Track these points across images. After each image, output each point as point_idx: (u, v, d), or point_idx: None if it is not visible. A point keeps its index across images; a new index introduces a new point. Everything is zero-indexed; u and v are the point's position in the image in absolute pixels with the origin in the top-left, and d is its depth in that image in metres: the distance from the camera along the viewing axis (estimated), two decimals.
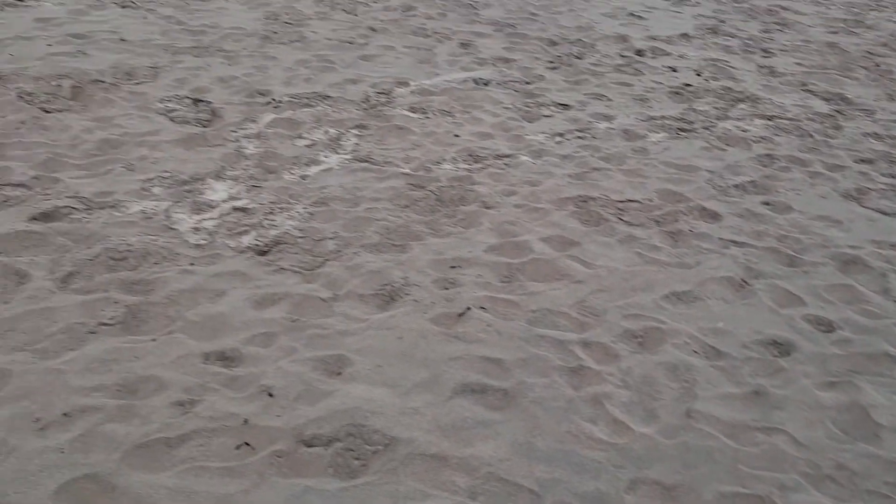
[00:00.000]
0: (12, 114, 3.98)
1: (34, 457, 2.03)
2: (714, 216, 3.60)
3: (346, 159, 3.82)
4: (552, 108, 4.60)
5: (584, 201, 3.60)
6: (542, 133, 4.27)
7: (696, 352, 2.68)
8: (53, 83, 4.34)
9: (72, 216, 3.16)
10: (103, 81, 4.44)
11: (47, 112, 4.04)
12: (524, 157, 3.98)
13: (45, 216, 3.14)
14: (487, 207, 3.48)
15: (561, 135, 4.28)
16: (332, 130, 4.09)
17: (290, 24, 5.62)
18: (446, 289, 2.90)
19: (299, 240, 3.12)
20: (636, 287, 3.01)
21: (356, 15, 5.95)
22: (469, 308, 2.77)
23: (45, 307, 2.61)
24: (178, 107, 4.22)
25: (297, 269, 2.94)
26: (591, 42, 5.76)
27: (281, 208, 3.34)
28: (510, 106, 4.58)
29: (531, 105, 4.60)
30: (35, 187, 3.35)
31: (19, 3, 5.61)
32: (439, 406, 2.34)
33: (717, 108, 4.80)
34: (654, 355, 2.63)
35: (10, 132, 3.79)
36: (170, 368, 2.38)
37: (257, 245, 3.06)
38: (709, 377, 2.56)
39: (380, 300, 2.81)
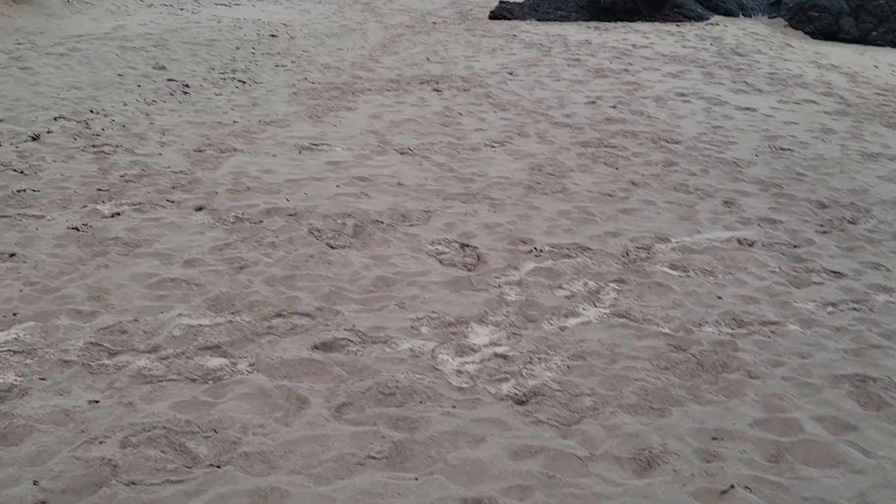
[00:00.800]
0: (303, 248, 4.43)
1: None
2: None
3: (605, 314, 3.83)
4: (823, 274, 4.37)
5: (862, 381, 3.33)
6: (813, 301, 4.05)
7: None
8: (339, 221, 4.80)
9: (348, 348, 3.41)
10: (381, 222, 4.84)
11: (332, 248, 4.46)
12: (792, 326, 3.78)
13: (326, 346, 3.42)
14: (752, 377, 3.32)
15: (833, 305, 4.04)
16: (591, 283, 4.15)
17: (552, 175, 5.85)
18: (707, 461, 2.77)
19: (557, 392, 3.14)
20: None
21: (617, 168, 6.08)
22: (733, 486, 2.62)
23: (320, 434, 2.80)
24: (446, 250, 4.49)
25: (553, 422, 2.95)
26: (867, 206, 5.46)
27: (539, 358, 3.40)
28: (776, 269, 4.41)
29: (800, 270, 4.40)
30: (318, 317, 3.67)
31: (315, 147, 6.32)
32: None
33: None
34: None
35: (300, 264, 4.22)
36: None
37: (516, 394, 3.12)
38: None
39: (637, 465, 2.74)
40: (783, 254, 4.64)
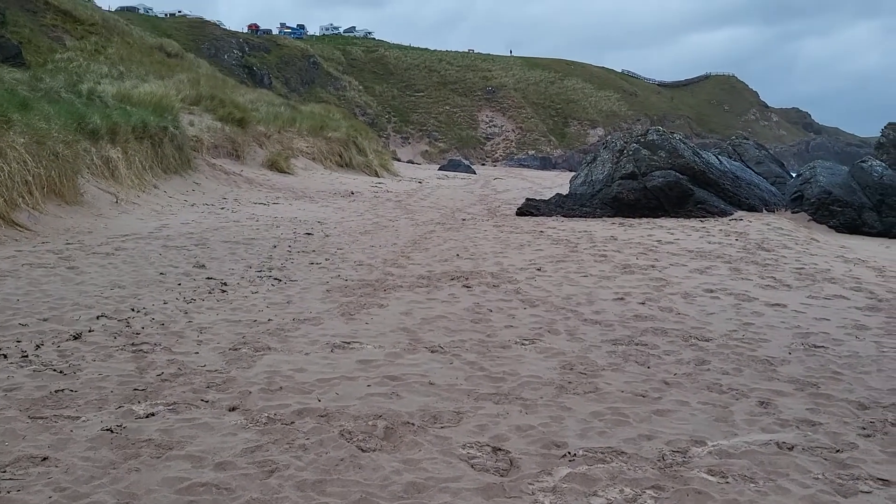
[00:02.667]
0: (334, 450, 4.39)
1: None
2: None
3: None
4: (870, 482, 4.20)
5: None
6: None
7: None
8: (370, 423, 4.78)
9: None
10: (412, 424, 4.81)
11: (363, 451, 4.41)
12: None
13: None
14: None
15: None
16: (627, 490, 4.03)
17: (584, 374, 5.84)
18: None
19: None
20: None
21: (648, 367, 6.06)
22: None
23: None
24: (478, 454, 4.42)
25: None
26: None
27: None
28: (820, 476, 4.26)
29: (845, 477, 4.25)
30: None
31: (347, 346, 6.40)
32: None
33: None
34: None
35: (331, 468, 4.16)
36: None
37: None
38: None
39: None
40: (825, 459, 4.50)
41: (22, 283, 7.96)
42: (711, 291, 8.92)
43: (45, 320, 6.68)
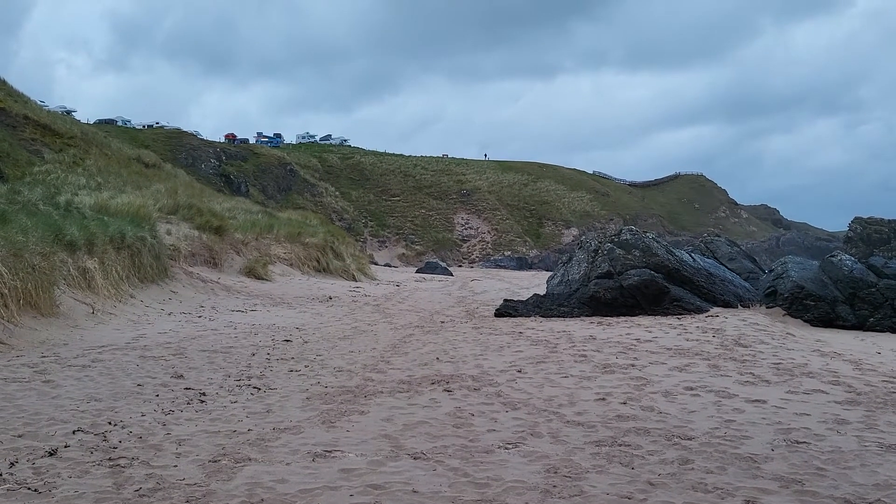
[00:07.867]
0: None
1: None
2: None
3: None
4: None
5: None
6: None
7: None
8: None
9: None
10: None
11: None
12: None
13: None
14: None
15: None
16: None
17: (568, 477, 5.79)
18: None
19: None
20: None
21: (633, 468, 6.03)
22: None
23: None
24: None
25: None
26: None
27: None
28: None
29: None
30: None
31: (328, 454, 6.32)
32: None
33: None
34: None
35: None
36: None
37: None
38: None
39: None
40: None
41: None
42: (692, 389, 8.94)
43: (19, 436, 6.54)
